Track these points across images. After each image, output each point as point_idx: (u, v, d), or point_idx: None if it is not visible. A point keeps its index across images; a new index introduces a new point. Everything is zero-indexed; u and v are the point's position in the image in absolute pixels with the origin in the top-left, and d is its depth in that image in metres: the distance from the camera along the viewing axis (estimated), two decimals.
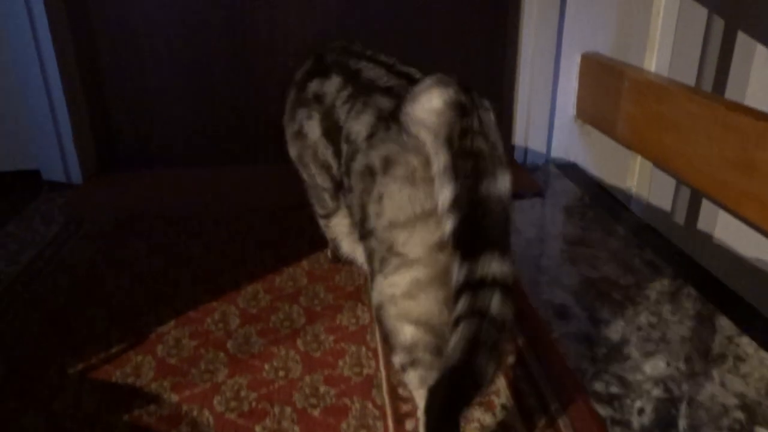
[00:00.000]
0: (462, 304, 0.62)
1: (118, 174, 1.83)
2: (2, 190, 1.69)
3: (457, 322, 0.62)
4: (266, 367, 0.99)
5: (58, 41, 1.63)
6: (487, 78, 1.91)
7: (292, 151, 1.08)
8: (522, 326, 1.08)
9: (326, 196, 1.03)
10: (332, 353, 1.02)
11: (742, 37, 1.71)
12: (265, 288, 1.22)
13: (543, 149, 1.87)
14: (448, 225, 0.65)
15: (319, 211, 1.14)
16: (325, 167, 0.95)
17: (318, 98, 0.94)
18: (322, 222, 1.17)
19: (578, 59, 1.78)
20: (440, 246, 0.68)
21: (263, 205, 1.60)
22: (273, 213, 1.56)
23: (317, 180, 1.01)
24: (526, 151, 1.86)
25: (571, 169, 1.86)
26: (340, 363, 1.00)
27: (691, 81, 1.76)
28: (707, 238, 1.76)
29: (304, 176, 1.10)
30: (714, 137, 1.21)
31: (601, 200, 1.63)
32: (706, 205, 1.80)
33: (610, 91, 1.61)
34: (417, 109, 0.70)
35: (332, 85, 0.92)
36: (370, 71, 0.88)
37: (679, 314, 1.13)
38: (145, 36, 1.75)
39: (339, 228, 1.04)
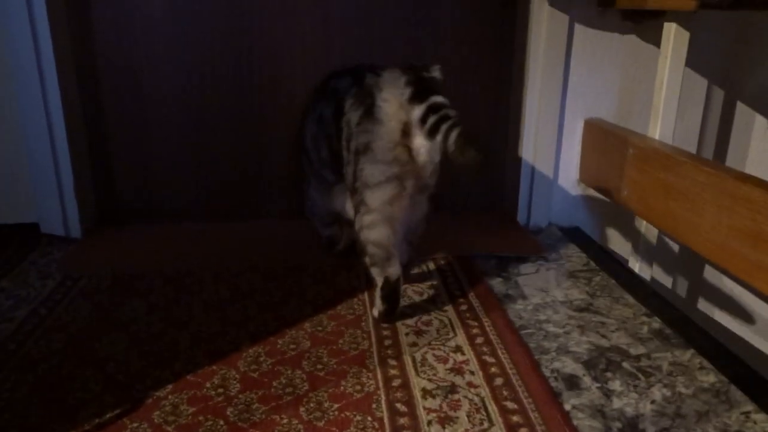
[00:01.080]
0: (433, 118, 1.14)
1: (118, 228, 1.81)
2: None
3: (436, 126, 1.14)
4: None
5: (66, 95, 1.64)
6: (490, 140, 1.93)
7: (310, 130, 1.43)
8: (531, 398, 1.05)
9: (327, 173, 1.41)
10: (336, 423, 0.98)
11: (741, 108, 1.75)
12: (266, 351, 1.18)
13: (546, 212, 1.86)
14: (407, 93, 1.18)
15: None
16: (329, 141, 1.36)
17: (335, 91, 1.33)
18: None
19: (581, 125, 1.81)
20: (389, 201, 1.22)
21: (264, 263, 1.57)
22: (274, 271, 1.53)
23: (321, 155, 1.41)
24: (529, 213, 1.86)
25: (574, 233, 1.85)
26: None
27: (692, 149, 1.79)
28: (712, 307, 1.75)
29: (312, 153, 1.45)
30: (723, 207, 1.21)
31: (606, 265, 1.61)
32: (709, 271, 1.79)
33: (615, 158, 1.62)
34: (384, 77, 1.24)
35: (344, 82, 1.32)
36: (371, 79, 1.27)
37: (693, 387, 1.10)
38: (151, 90, 1.76)
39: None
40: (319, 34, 1.78)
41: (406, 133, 1.19)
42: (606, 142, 1.71)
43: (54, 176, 1.65)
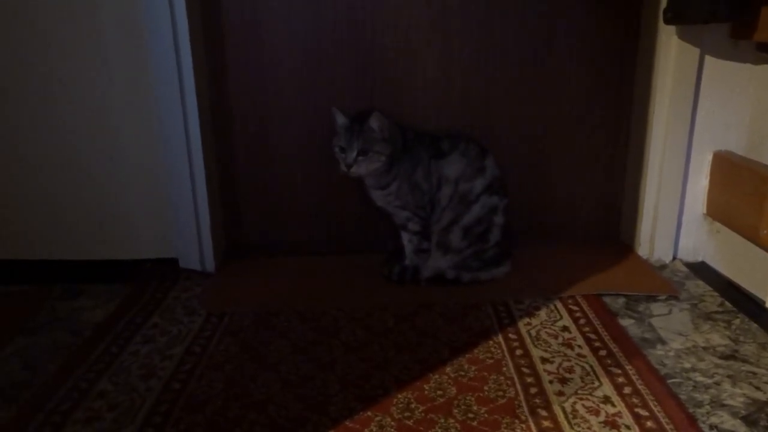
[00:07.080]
0: None
1: (246, 262, 1.89)
2: (142, 277, 1.77)
3: None
4: None
5: (205, 138, 1.73)
6: (609, 170, 1.90)
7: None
8: None
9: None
10: None
11: None
12: (415, 397, 1.21)
13: (670, 247, 1.82)
14: None
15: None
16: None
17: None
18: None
19: (709, 157, 1.75)
20: None
21: (392, 300, 1.61)
22: (403, 309, 1.57)
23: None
24: (652, 248, 1.82)
25: (700, 268, 1.80)
26: None
27: None
28: None
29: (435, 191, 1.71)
30: None
31: (743, 305, 1.56)
32: None
33: (752, 194, 1.56)
34: None
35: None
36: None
37: None
38: (277, 132, 1.85)
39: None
40: (438, 72, 1.81)
41: None
42: (738, 175, 1.65)
43: (193, 213, 1.75)
